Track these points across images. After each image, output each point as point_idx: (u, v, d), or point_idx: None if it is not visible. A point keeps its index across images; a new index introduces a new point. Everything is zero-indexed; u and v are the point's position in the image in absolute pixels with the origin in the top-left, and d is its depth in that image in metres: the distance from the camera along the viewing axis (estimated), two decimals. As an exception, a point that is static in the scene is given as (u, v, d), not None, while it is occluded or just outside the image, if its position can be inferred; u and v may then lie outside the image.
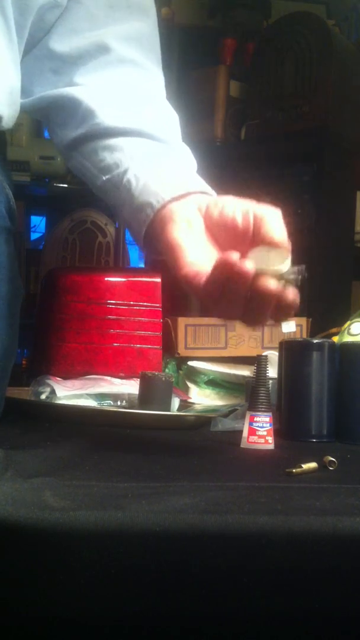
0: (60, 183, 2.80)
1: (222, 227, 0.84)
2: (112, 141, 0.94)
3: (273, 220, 0.81)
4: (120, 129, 0.94)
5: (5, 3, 0.89)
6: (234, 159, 2.57)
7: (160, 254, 0.88)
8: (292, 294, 0.78)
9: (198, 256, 0.83)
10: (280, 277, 0.78)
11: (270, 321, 0.81)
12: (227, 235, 0.84)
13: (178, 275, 0.83)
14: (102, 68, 0.97)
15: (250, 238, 0.82)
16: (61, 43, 0.97)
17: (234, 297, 0.78)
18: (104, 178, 0.94)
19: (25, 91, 0.97)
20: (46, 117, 1.03)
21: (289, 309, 0.79)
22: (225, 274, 0.76)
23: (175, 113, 1.00)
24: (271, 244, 0.79)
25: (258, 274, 0.76)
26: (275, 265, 0.77)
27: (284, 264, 0.78)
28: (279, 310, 0.79)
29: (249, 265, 0.75)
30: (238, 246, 0.81)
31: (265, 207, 0.83)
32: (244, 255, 0.78)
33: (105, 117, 0.95)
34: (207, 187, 0.91)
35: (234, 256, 0.75)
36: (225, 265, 0.76)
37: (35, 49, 0.97)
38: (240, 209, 0.83)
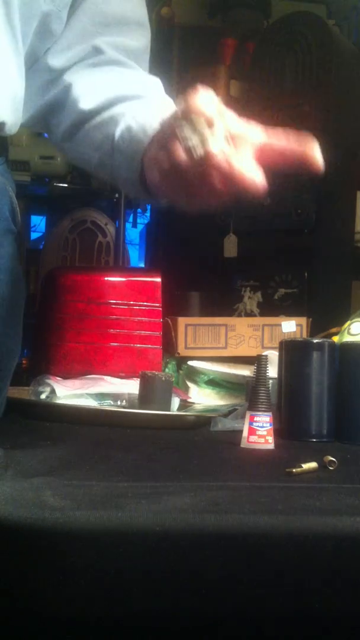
0: (60, 183, 2.80)
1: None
2: (98, 119, 0.97)
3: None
4: (101, 105, 0.97)
5: (12, 11, 0.90)
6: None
7: (157, 188, 0.87)
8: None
9: None
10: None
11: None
12: None
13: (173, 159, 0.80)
14: (92, 67, 1.02)
15: None
16: (58, 59, 1.01)
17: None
18: (97, 156, 0.97)
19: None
20: (45, 125, 1.07)
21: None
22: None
23: (157, 79, 1.03)
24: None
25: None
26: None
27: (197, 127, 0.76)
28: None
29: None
30: None
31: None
32: None
33: (88, 100, 0.98)
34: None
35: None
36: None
37: (35, 64, 1.00)
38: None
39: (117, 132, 0.94)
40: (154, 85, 1.02)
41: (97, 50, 1.01)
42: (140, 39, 1.04)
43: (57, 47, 1.00)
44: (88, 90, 0.99)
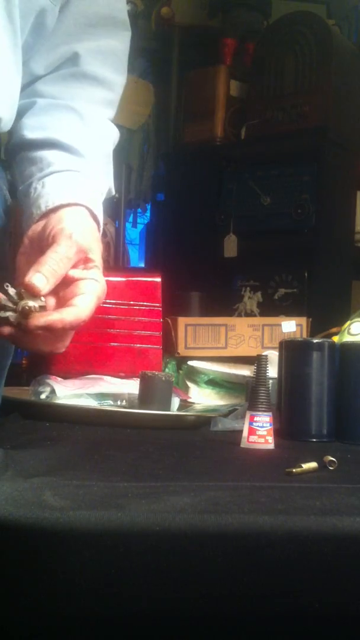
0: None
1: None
2: (36, 154, 0.95)
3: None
4: (39, 141, 0.95)
5: (13, 6, 0.90)
6: (234, 159, 2.57)
7: None
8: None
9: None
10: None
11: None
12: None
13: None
14: (64, 79, 1.00)
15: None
16: (40, 63, 0.99)
17: None
18: (20, 187, 0.96)
19: None
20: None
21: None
22: None
23: (111, 131, 1.01)
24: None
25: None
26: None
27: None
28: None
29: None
30: None
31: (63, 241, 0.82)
32: None
33: (29, 129, 0.96)
34: (94, 202, 0.91)
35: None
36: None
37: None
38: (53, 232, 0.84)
39: (34, 182, 0.92)
40: (100, 141, 0.99)
41: (75, 58, 0.99)
42: (125, 40, 1.04)
43: (41, 50, 0.98)
44: (36, 119, 0.97)
